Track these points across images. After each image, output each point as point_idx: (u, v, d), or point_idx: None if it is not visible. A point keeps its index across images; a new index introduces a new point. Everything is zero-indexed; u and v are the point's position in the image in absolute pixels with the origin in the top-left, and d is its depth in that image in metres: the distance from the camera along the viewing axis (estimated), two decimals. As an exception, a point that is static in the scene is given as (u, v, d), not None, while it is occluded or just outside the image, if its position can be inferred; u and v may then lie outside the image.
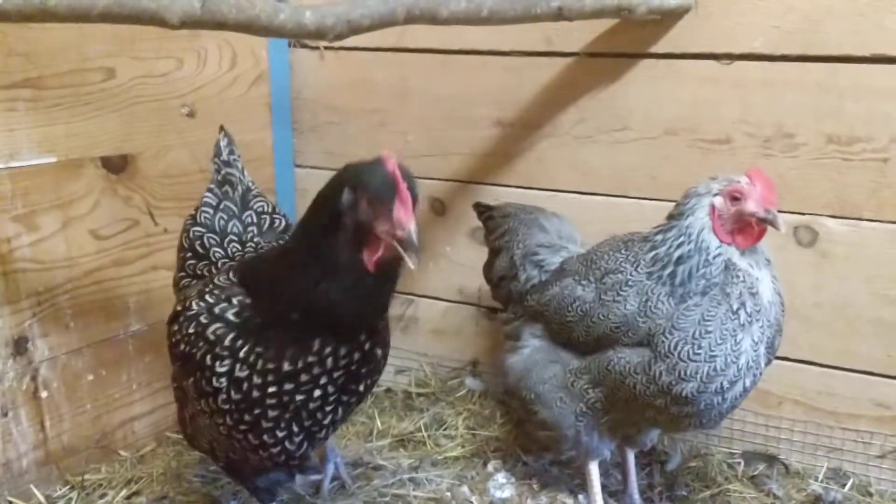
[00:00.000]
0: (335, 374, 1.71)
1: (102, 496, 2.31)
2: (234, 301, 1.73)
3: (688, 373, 1.87)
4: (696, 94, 2.37)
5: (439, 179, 2.81)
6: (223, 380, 1.70)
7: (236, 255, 2.03)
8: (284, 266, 1.68)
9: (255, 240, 2.07)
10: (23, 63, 2.15)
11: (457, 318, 2.89)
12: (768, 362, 1.97)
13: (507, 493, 2.31)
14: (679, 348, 1.87)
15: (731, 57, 2.31)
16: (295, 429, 1.77)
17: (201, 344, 1.72)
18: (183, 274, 2.06)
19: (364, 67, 2.86)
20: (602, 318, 1.99)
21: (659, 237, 1.98)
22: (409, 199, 1.54)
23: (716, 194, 1.92)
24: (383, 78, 2.83)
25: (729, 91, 2.33)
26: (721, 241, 1.91)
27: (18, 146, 2.17)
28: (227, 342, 1.70)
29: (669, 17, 2.34)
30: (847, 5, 2.16)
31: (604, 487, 2.21)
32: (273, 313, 1.68)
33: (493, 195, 2.68)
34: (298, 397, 1.70)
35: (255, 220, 2.10)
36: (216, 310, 1.73)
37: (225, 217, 2.08)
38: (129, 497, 2.32)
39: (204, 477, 2.40)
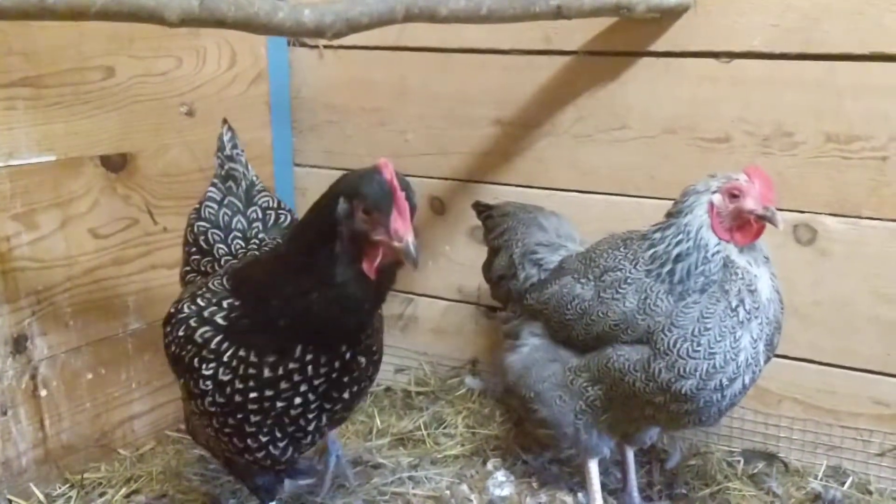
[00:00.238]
0: (315, 382, 1.70)
1: (102, 495, 2.31)
2: (224, 304, 1.73)
3: (687, 370, 1.87)
4: (695, 92, 2.37)
5: (438, 178, 2.81)
6: (209, 383, 1.70)
7: (239, 252, 2.02)
8: (276, 272, 1.67)
9: (260, 236, 2.07)
10: (22, 62, 2.15)
11: (456, 316, 2.89)
12: (767, 360, 1.97)
13: (507, 491, 2.31)
14: (678, 345, 1.87)
15: (730, 55, 2.31)
16: (278, 434, 1.76)
17: (190, 347, 1.73)
18: (188, 269, 2.06)
19: (363, 66, 2.86)
20: (601, 315, 1.99)
21: (658, 235, 1.98)
22: (406, 208, 1.51)
23: (714, 192, 1.92)
24: (382, 77, 2.83)
25: (728, 89, 2.33)
26: (720, 239, 1.91)
27: (18, 144, 2.17)
28: (213, 345, 1.70)
29: (668, 16, 2.34)
30: (846, 3, 2.16)
31: (603, 486, 2.21)
32: (261, 318, 1.67)
33: (493, 194, 2.68)
34: (279, 404, 1.70)
35: (259, 215, 2.10)
36: (205, 313, 1.73)
37: (229, 212, 2.07)
38: (128, 495, 2.32)
39: (203, 475, 2.40)
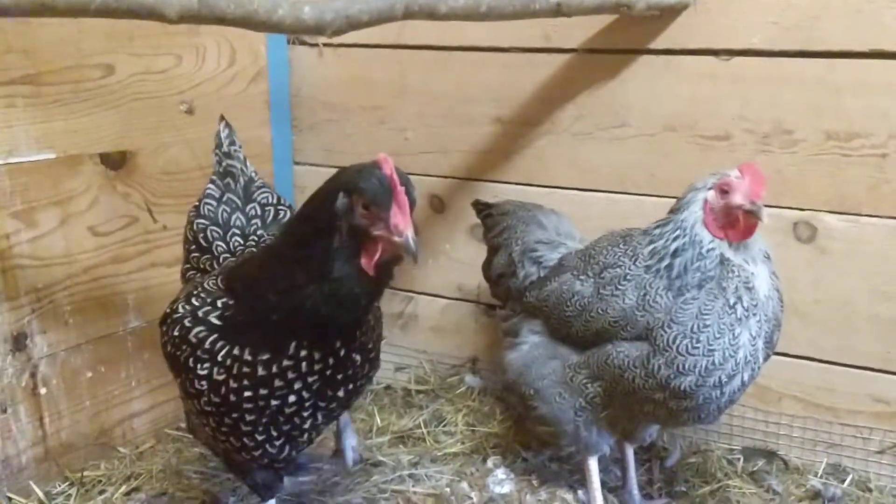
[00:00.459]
0: (310, 380, 1.69)
1: (101, 492, 2.31)
2: (219, 304, 1.73)
3: (686, 366, 1.87)
4: (695, 90, 2.37)
5: (438, 176, 2.81)
6: (204, 382, 1.70)
7: (238, 249, 2.02)
8: (271, 266, 1.67)
9: (259, 233, 2.07)
10: (21, 59, 2.15)
11: (456, 315, 2.89)
12: (767, 357, 1.97)
13: (507, 488, 2.31)
14: (677, 342, 1.87)
15: (730, 53, 2.31)
16: (274, 433, 1.76)
17: (185, 347, 1.73)
18: (189, 266, 2.06)
19: (363, 64, 2.86)
20: (601, 312, 1.99)
21: (657, 231, 1.98)
22: (406, 203, 1.50)
23: (710, 188, 1.93)
24: (382, 75, 2.83)
25: (728, 87, 2.33)
26: (713, 236, 1.91)
27: (17, 142, 2.17)
28: (207, 345, 1.70)
29: (668, 13, 2.34)
30: (845, 1, 2.16)
31: (603, 483, 2.21)
32: (254, 313, 1.66)
33: (492, 192, 2.68)
34: (274, 402, 1.70)
35: (258, 212, 2.09)
36: (200, 313, 1.73)
37: (228, 209, 2.07)
38: (128, 493, 2.32)
39: (203, 473, 2.40)
